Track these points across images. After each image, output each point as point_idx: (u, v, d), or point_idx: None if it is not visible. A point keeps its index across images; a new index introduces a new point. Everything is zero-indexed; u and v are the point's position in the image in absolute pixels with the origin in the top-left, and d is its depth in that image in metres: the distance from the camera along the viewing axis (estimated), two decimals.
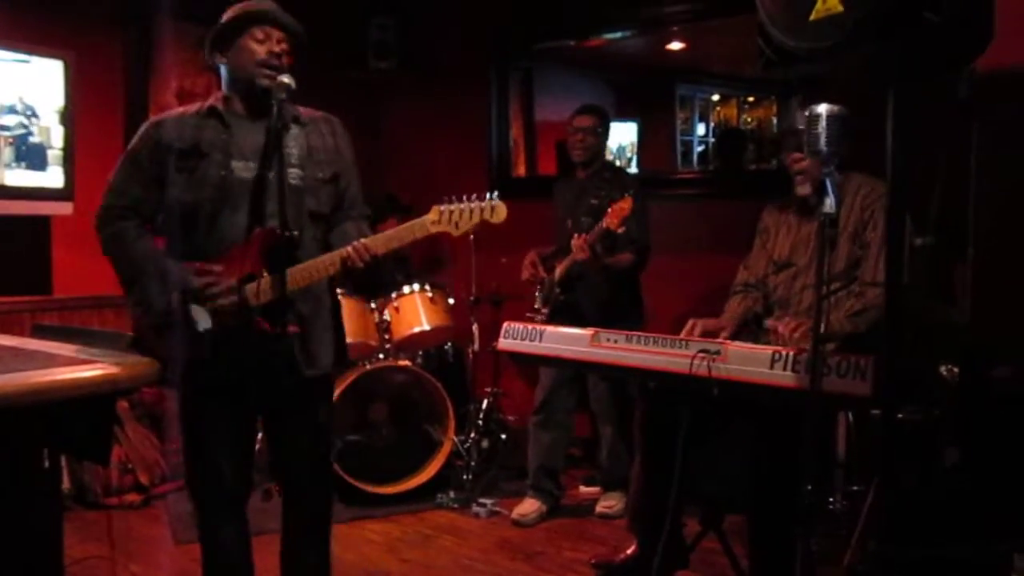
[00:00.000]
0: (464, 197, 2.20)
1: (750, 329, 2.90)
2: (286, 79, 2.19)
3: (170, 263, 2.23)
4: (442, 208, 2.20)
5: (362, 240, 2.21)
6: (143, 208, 2.27)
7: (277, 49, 2.24)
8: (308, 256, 2.24)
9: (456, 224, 2.19)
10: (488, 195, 2.19)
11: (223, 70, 2.33)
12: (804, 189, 2.80)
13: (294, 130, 2.32)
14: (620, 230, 3.39)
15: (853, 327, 2.55)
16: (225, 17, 2.30)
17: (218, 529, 2.39)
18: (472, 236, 4.12)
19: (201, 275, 2.19)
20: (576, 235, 3.54)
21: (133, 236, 2.26)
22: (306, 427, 2.41)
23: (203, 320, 2.18)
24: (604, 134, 3.87)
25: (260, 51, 2.23)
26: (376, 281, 2.43)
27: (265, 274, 2.18)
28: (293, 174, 2.27)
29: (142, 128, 2.32)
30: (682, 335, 2.69)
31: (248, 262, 2.20)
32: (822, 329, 2.04)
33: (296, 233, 2.21)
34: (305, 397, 2.36)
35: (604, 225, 3.39)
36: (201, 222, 2.24)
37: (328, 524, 2.53)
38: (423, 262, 4.80)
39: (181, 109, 2.36)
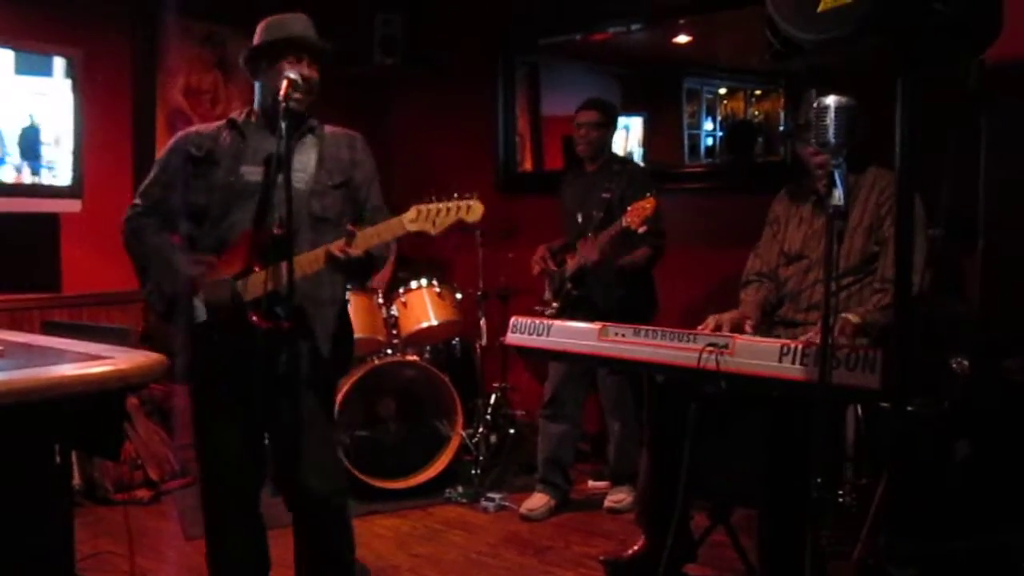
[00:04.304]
0: (444, 196, 2.28)
1: (765, 324, 2.88)
2: (296, 90, 2.31)
3: (179, 255, 2.36)
4: (421, 207, 2.27)
5: (341, 240, 2.28)
6: (163, 208, 2.43)
7: (307, 72, 2.35)
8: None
9: (434, 222, 2.25)
10: (467, 194, 2.26)
11: (256, 85, 2.44)
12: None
13: (308, 140, 2.44)
14: (642, 230, 3.34)
15: (887, 320, 2.52)
16: (260, 38, 2.40)
17: (224, 524, 2.41)
18: (478, 232, 4.12)
19: (197, 265, 2.31)
20: (584, 238, 3.53)
21: (150, 231, 2.42)
22: (303, 423, 2.41)
23: (200, 312, 2.30)
24: (609, 128, 3.85)
25: (292, 76, 2.32)
26: (367, 273, 2.54)
27: (256, 270, 2.27)
28: (298, 178, 2.37)
29: (172, 139, 2.50)
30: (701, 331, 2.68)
31: (242, 259, 2.30)
32: (836, 320, 2.03)
33: (283, 232, 2.27)
34: (303, 394, 2.37)
35: (624, 224, 3.35)
36: (209, 223, 2.37)
37: (339, 524, 2.52)
38: (426, 261, 4.78)
39: (209, 124, 2.52)
